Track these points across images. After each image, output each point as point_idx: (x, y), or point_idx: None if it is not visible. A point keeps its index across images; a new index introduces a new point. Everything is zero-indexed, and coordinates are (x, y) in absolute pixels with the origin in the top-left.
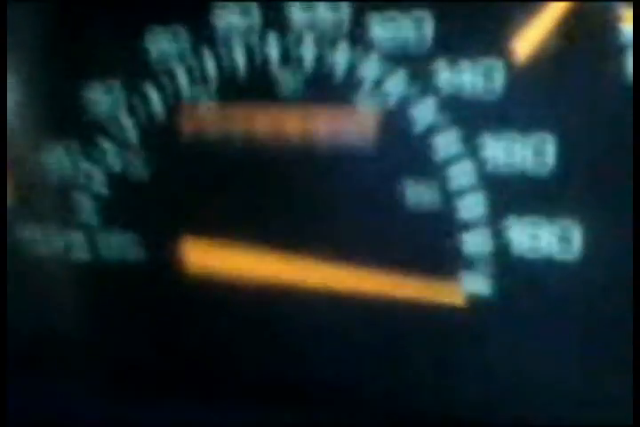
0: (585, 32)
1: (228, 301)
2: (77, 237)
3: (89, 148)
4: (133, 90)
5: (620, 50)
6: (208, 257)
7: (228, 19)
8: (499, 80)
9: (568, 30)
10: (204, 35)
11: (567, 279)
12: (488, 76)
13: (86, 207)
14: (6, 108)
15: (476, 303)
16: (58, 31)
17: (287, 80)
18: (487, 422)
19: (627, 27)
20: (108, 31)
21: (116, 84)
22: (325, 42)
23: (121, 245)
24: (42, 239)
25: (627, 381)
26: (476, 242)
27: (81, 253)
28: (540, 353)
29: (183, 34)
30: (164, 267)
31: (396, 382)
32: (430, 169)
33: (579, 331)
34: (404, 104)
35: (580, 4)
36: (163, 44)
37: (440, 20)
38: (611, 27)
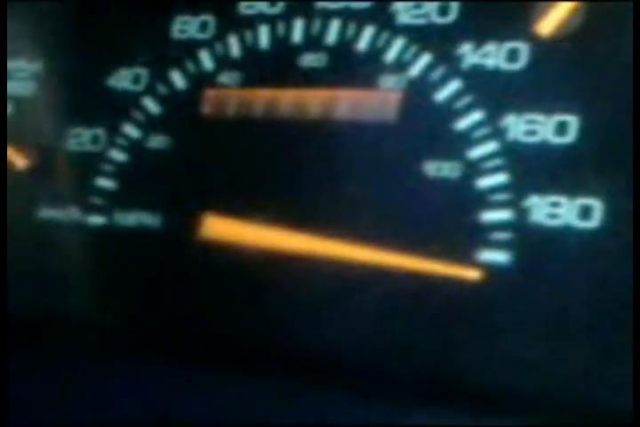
0: (607, 12)
1: (241, 270)
2: (94, 202)
3: (114, 134)
4: (159, 76)
5: None
6: (225, 228)
7: (256, 7)
8: (522, 62)
9: (590, 10)
10: (231, 23)
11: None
12: (512, 58)
13: (105, 174)
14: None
15: (492, 274)
16: (82, 15)
17: (311, 62)
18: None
19: None
20: (134, 18)
21: (142, 71)
22: (351, 27)
23: (137, 212)
24: (58, 204)
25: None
26: (496, 218)
27: (97, 218)
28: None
29: (211, 22)
30: (178, 235)
31: (403, 353)
32: (453, 149)
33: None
34: (428, 87)
35: None
36: (190, 31)
37: (465, 4)
38: (633, 6)
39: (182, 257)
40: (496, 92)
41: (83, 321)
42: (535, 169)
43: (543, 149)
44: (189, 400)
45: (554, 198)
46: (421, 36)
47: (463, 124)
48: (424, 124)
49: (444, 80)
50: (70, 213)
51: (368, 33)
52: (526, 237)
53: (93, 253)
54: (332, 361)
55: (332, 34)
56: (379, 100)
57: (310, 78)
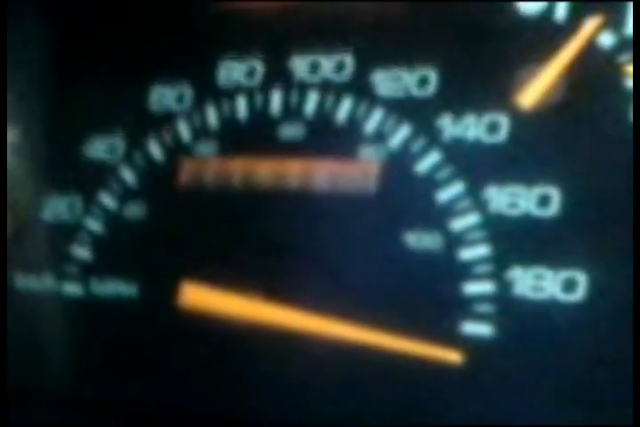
0: (587, 84)
1: (219, 340)
2: (70, 271)
3: (90, 202)
4: (135, 145)
5: (624, 100)
6: (203, 297)
7: (233, 76)
8: (503, 134)
9: (571, 83)
10: (208, 93)
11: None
12: (493, 129)
13: (81, 243)
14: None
15: (475, 349)
16: (60, 84)
17: (289, 132)
18: None
19: (629, 79)
20: (111, 87)
21: (119, 140)
22: (329, 98)
23: (114, 282)
24: (34, 276)
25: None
26: (479, 291)
27: (73, 288)
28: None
29: (187, 92)
30: (155, 304)
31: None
32: (434, 220)
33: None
34: (408, 158)
35: (582, 57)
36: (166, 101)
37: (444, 76)
38: (613, 78)
39: (160, 326)
40: (477, 164)
41: (58, 394)
42: (518, 241)
43: (526, 221)
44: None
45: (537, 271)
46: (400, 108)
47: (444, 195)
48: (404, 196)
49: (424, 152)
50: (46, 283)
51: (346, 105)
52: (510, 309)
53: (69, 323)
54: None
55: (311, 105)
56: (358, 172)
57: (288, 149)
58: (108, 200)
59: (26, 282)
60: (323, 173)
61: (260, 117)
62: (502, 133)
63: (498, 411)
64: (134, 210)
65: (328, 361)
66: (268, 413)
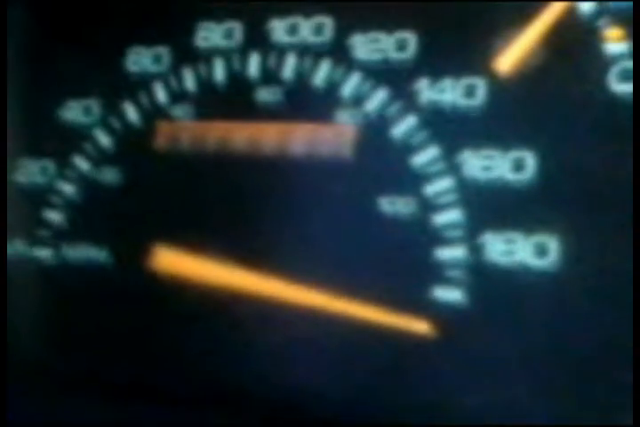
0: (566, 49)
1: (193, 306)
2: (43, 238)
3: (64, 166)
4: (111, 108)
5: (602, 66)
6: (175, 261)
7: (211, 40)
8: (480, 98)
9: (549, 48)
10: (185, 55)
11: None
12: (469, 94)
13: (53, 206)
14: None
15: (449, 315)
16: (35, 47)
17: (266, 96)
18: None
19: (608, 43)
20: (86, 49)
21: (94, 103)
22: (307, 61)
23: (86, 246)
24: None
25: (600, 393)
26: (450, 256)
27: (44, 252)
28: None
29: (165, 54)
30: (126, 268)
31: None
32: (408, 185)
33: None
34: (384, 122)
35: (561, 22)
36: (143, 63)
37: (423, 40)
38: (592, 43)
39: (132, 291)
40: (453, 128)
41: (29, 361)
42: (491, 205)
43: (499, 186)
44: None
45: (509, 235)
46: (378, 72)
47: (419, 159)
48: (379, 160)
49: (400, 115)
50: (17, 248)
51: (324, 68)
52: (481, 274)
53: (40, 287)
54: (276, 404)
55: (288, 68)
56: (334, 136)
57: (265, 113)
58: (82, 164)
59: None
60: (299, 138)
61: (238, 81)
62: (479, 98)
63: (468, 378)
64: (109, 174)
65: (299, 329)
66: (236, 379)
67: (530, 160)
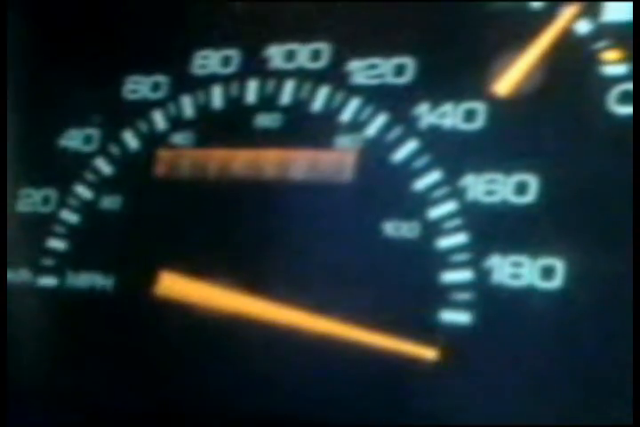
0: (565, 72)
1: (197, 332)
2: (46, 263)
3: (66, 194)
4: (111, 136)
5: (601, 88)
6: (179, 288)
7: (209, 67)
8: (480, 122)
9: (547, 71)
10: (184, 83)
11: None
12: (470, 118)
13: (56, 235)
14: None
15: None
16: (35, 75)
17: (265, 122)
18: None
19: (607, 65)
20: (85, 77)
21: (94, 131)
22: (305, 87)
23: (90, 273)
24: (10, 269)
25: (608, 414)
26: (457, 280)
27: (48, 280)
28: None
29: (164, 82)
30: (130, 295)
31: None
32: (412, 209)
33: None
34: (384, 147)
35: (559, 45)
36: (142, 91)
37: (420, 65)
38: (591, 66)
39: (136, 318)
40: (454, 152)
41: (33, 386)
42: (496, 229)
43: (503, 209)
44: None
45: (515, 258)
46: (377, 97)
47: (421, 184)
48: (381, 185)
49: (400, 140)
50: (22, 276)
51: (323, 93)
52: (488, 297)
53: (45, 315)
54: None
55: (287, 94)
56: (334, 161)
57: (265, 139)
58: (84, 192)
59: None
60: (299, 163)
61: (236, 107)
62: (479, 121)
63: (476, 399)
64: (110, 201)
65: (305, 354)
66: (239, 404)
67: (533, 183)
